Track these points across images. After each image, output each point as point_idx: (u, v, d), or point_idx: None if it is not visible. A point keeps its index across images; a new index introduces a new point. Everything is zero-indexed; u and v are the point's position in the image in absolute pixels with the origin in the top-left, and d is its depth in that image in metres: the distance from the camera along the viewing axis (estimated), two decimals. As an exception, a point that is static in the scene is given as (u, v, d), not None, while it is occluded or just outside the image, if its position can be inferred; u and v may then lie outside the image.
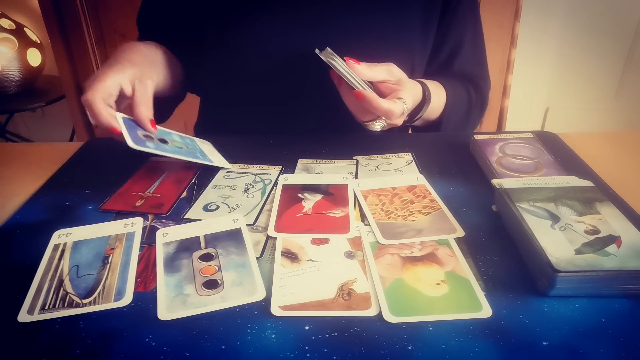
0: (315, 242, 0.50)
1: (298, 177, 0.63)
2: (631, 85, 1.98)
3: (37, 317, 0.41)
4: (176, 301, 0.42)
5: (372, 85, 0.65)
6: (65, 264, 0.47)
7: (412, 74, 0.77)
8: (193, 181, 0.63)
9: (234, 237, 0.51)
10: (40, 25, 1.67)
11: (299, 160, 0.67)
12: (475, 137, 0.69)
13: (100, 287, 0.44)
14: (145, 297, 0.43)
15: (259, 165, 0.66)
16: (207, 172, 0.64)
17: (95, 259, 0.48)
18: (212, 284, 0.44)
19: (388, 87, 0.64)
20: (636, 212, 0.52)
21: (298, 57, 0.69)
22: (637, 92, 1.98)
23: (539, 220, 0.47)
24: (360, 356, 0.37)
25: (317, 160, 0.68)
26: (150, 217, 0.55)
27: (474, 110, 0.81)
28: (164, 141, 0.62)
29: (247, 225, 0.53)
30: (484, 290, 0.43)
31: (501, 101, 1.33)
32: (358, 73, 0.62)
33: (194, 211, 0.56)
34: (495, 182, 0.55)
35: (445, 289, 0.43)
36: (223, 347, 0.38)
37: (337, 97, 0.66)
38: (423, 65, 0.80)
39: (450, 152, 0.70)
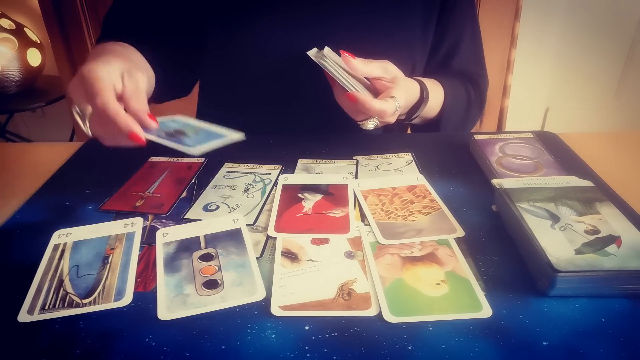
0: (315, 242, 0.50)
1: (298, 177, 0.63)
2: (631, 85, 1.98)
3: (37, 317, 0.41)
4: (176, 301, 0.42)
5: (369, 80, 0.65)
6: (65, 264, 0.47)
7: (412, 73, 0.77)
8: (193, 181, 0.63)
9: (234, 237, 0.51)
10: (40, 25, 1.67)
11: (299, 160, 0.67)
12: (475, 137, 0.69)
13: (100, 287, 0.44)
14: (145, 297, 0.43)
15: (259, 165, 0.66)
16: (207, 172, 0.64)
17: (95, 259, 0.48)
18: (212, 284, 0.44)
19: (382, 85, 0.64)
20: (636, 212, 0.52)
21: (299, 56, 0.69)
22: (637, 92, 1.98)
23: (539, 220, 0.47)
24: (360, 356, 0.37)
25: (317, 160, 0.68)
26: (150, 217, 0.55)
27: (473, 108, 0.82)
28: (180, 132, 0.55)
29: (247, 225, 0.53)
30: (484, 290, 0.43)
31: (501, 101, 1.33)
32: (353, 68, 0.62)
33: (194, 211, 0.56)
34: (495, 182, 0.55)
35: (445, 289, 0.43)
36: (223, 347, 0.38)
37: None
38: (423, 64, 0.80)
39: (450, 152, 0.70)
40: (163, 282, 0.45)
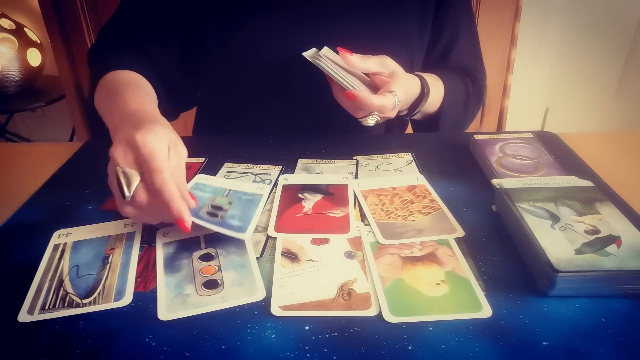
0: (315, 242, 0.50)
1: (298, 177, 0.63)
2: (631, 85, 1.98)
3: (37, 317, 0.41)
4: (176, 301, 0.42)
5: (368, 76, 0.65)
6: (65, 264, 0.47)
7: (411, 69, 0.77)
8: (193, 181, 0.63)
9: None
10: (40, 25, 1.67)
11: (299, 160, 0.67)
12: (475, 137, 0.69)
13: (100, 287, 0.44)
14: (145, 297, 0.43)
15: (259, 165, 0.66)
16: (207, 172, 0.64)
17: (95, 259, 0.48)
18: (212, 284, 0.44)
19: (381, 80, 0.65)
20: (636, 212, 0.52)
21: (298, 55, 0.69)
22: (637, 92, 1.98)
23: (539, 220, 0.47)
24: (360, 356, 0.37)
25: (317, 160, 0.68)
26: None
27: (472, 101, 0.82)
28: (218, 208, 0.53)
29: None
30: (484, 290, 0.43)
31: (501, 101, 1.33)
32: (351, 64, 0.62)
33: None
34: (495, 182, 0.55)
35: (445, 289, 0.43)
36: (223, 347, 0.38)
37: None
38: (421, 60, 0.81)
39: (450, 152, 0.70)
40: (163, 282, 0.45)
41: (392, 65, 0.65)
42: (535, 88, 2.02)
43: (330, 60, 0.63)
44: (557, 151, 0.66)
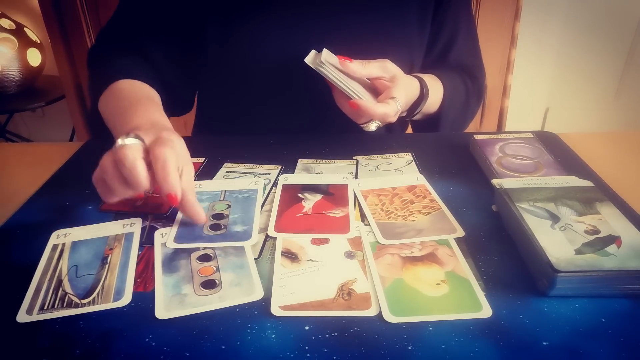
0: (315, 242, 0.50)
1: (298, 177, 0.63)
2: (631, 85, 1.98)
3: (35, 317, 0.41)
4: (174, 300, 0.42)
5: (370, 80, 0.65)
6: (64, 264, 0.47)
7: (411, 70, 0.77)
8: (193, 181, 0.62)
9: (233, 237, 0.51)
10: (40, 25, 1.67)
11: (299, 160, 0.67)
12: (475, 137, 0.69)
13: (99, 287, 0.44)
14: (145, 297, 0.43)
15: (258, 165, 0.66)
16: (207, 173, 0.64)
17: (94, 259, 0.48)
18: (210, 284, 0.44)
19: (382, 84, 0.65)
20: (636, 212, 0.52)
21: (298, 55, 0.69)
22: (637, 92, 1.98)
23: (539, 220, 0.47)
24: (360, 356, 0.36)
25: (317, 160, 0.68)
26: (149, 217, 0.55)
27: (472, 100, 0.82)
28: (219, 216, 0.54)
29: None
30: (484, 290, 0.43)
31: (501, 101, 1.33)
32: (352, 71, 0.62)
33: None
34: (495, 182, 0.55)
35: (445, 289, 0.43)
36: (223, 347, 0.38)
37: None
38: (421, 60, 0.81)
39: (450, 152, 0.70)
40: (161, 282, 0.45)
41: (392, 69, 0.65)
42: (535, 88, 2.02)
43: (332, 66, 0.62)
44: (557, 151, 0.66)
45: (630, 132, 0.79)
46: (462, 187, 0.60)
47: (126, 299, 0.43)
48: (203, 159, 0.68)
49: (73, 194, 0.60)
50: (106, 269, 0.46)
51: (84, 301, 0.42)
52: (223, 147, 0.71)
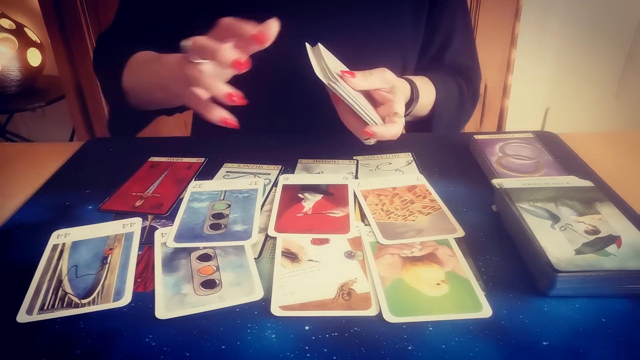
0: (315, 242, 0.50)
1: (298, 177, 0.63)
2: (631, 85, 1.98)
3: (35, 317, 0.41)
4: (174, 300, 0.42)
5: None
6: (64, 264, 0.47)
7: (404, 71, 0.77)
8: (193, 181, 0.62)
9: (233, 237, 0.51)
10: (40, 25, 1.67)
11: (299, 160, 0.67)
12: (475, 137, 0.69)
13: (99, 287, 0.44)
14: (145, 297, 0.43)
15: (258, 165, 0.66)
16: (206, 173, 0.64)
17: (94, 259, 0.48)
18: (210, 284, 0.44)
19: (382, 96, 0.64)
20: (636, 212, 0.52)
21: (294, 55, 0.69)
22: (637, 92, 1.98)
23: (539, 220, 0.47)
24: (360, 356, 0.36)
25: (317, 160, 0.68)
26: (149, 217, 0.55)
27: (466, 103, 0.82)
28: (220, 216, 0.54)
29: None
30: (484, 290, 0.43)
31: (501, 101, 1.33)
32: (355, 85, 0.61)
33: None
34: (495, 182, 0.55)
35: (445, 289, 0.43)
36: (223, 347, 0.38)
37: None
38: (414, 61, 0.80)
39: (450, 152, 0.70)
40: (161, 281, 0.45)
41: (391, 80, 0.64)
42: (535, 88, 2.02)
43: (344, 83, 0.59)
44: (557, 151, 0.66)
45: (630, 132, 0.79)
46: (462, 187, 0.60)
47: (126, 299, 0.43)
48: (203, 159, 0.68)
49: (73, 194, 0.60)
50: (106, 269, 0.46)
51: (84, 301, 0.42)
52: (223, 147, 0.71)
